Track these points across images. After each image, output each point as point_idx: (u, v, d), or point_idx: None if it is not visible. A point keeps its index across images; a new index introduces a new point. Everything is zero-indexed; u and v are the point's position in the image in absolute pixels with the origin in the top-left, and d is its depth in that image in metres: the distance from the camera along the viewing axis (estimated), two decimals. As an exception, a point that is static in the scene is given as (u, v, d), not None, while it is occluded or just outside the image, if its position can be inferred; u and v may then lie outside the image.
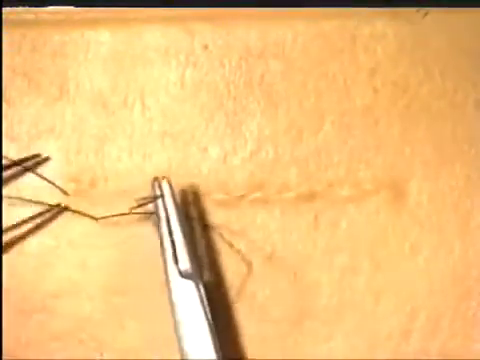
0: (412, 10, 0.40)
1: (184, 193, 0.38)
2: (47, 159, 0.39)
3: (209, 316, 0.35)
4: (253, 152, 0.39)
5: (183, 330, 0.35)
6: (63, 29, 0.40)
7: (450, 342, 0.37)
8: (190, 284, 0.35)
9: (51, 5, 0.40)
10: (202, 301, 0.35)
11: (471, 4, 0.40)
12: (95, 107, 0.39)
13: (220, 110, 0.39)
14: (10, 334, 0.37)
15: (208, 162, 0.39)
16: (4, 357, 0.37)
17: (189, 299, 0.35)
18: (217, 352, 0.35)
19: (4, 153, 0.39)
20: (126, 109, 0.39)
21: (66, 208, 0.38)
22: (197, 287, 0.35)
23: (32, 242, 0.38)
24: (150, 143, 0.39)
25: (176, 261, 0.36)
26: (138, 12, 0.40)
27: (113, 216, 0.37)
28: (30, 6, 0.40)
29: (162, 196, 0.37)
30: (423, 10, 0.40)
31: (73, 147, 0.39)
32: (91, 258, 0.38)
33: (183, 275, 0.35)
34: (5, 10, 0.40)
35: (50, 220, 0.38)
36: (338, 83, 0.39)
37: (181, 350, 0.35)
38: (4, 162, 0.38)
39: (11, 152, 0.39)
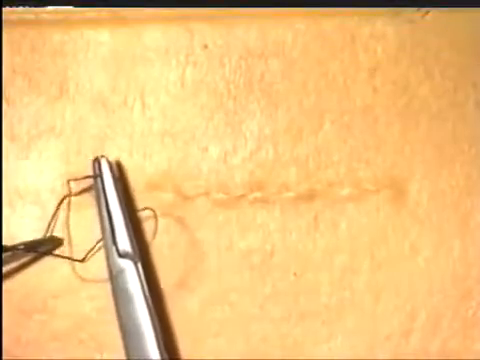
0: (412, 10, 0.40)
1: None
2: (60, 242, 0.38)
3: (147, 294, 0.36)
4: (253, 152, 0.39)
5: (122, 310, 0.36)
6: (63, 29, 0.40)
7: (450, 342, 0.37)
8: (129, 263, 0.36)
9: (51, 5, 0.40)
10: (141, 280, 0.36)
11: (471, 4, 0.40)
12: (95, 107, 0.39)
13: (220, 110, 0.39)
14: (10, 334, 0.37)
15: (208, 162, 0.39)
16: (4, 357, 0.37)
17: (128, 278, 0.36)
18: (156, 330, 0.35)
19: (4, 153, 0.39)
20: (126, 109, 0.39)
21: (51, 253, 0.38)
22: (136, 266, 0.36)
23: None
24: (150, 143, 0.39)
25: (114, 240, 0.36)
26: (138, 12, 0.40)
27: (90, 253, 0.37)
28: (30, 6, 0.40)
29: (100, 176, 0.37)
30: (423, 10, 0.40)
31: (73, 147, 0.39)
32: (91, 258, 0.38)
33: (121, 255, 0.36)
34: (5, 10, 0.40)
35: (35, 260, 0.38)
36: (338, 83, 0.39)
37: (121, 327, 0.36)
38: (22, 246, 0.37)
39: (11, 152, 0.39)
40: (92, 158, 0.38)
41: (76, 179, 0.38)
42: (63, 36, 0.40)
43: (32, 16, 0.40)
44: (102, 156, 0.38)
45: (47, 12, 0.40)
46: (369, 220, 0.38)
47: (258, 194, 0.39)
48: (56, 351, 0.38)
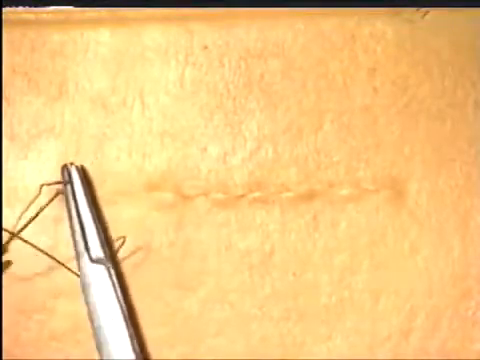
0: (412, 10, 0.40)
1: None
2: (9, 263, 0.38)
3: (121, 299, 0.36)
4: (252, 152, 0.39)
5: (96, 316, 0.36)
6: (63, 29, 0.40)
7: (450, 342, 0.37)
8: (101, 269, 0.36)
9: (51, 5, 0.40)
10: (114, 285, 0.36)
11: (471, 4, 0.39)
12: (94, 107, 0.39)
13: (219, 110, 0.39)
14: (10, 334, 0.38)
15: (208, 162, 0.39)
16: (4, 357, 0.37)
17: (101, 283, 0.36)
18: (131, 337, 0.35)
19: (4, 153, 0.39)
20: (125, 109, 0.39)
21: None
22: (108, 271, 0.36)
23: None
24: (149, 143, 0.39)
25: (86, 246, 0.36)
26: (138, 12, 0.40)
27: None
28: (30, 6, 0.40)
29: (70, 182, 0.37)
30: (423, 10, 0.40)
31: (72, 147, 0.39)
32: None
33: (93, 260, 0.36)
34: (5, 10, 0.40)
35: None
36: (338, 82, 0.39)
37: (94, 331, 0.36)
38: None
39: (11, 152, 0.39)
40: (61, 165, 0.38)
41: (49, 184, 0.37)
42: (63, 36, 0.40)
43: (32, 16, 0.40)
44: (71, 163, 0.38)
45: (47, 12, 0.40)
46: (368, 220, 0.38)
47: (257, 194, 0.39)
48: (55, 351, 0.38)
